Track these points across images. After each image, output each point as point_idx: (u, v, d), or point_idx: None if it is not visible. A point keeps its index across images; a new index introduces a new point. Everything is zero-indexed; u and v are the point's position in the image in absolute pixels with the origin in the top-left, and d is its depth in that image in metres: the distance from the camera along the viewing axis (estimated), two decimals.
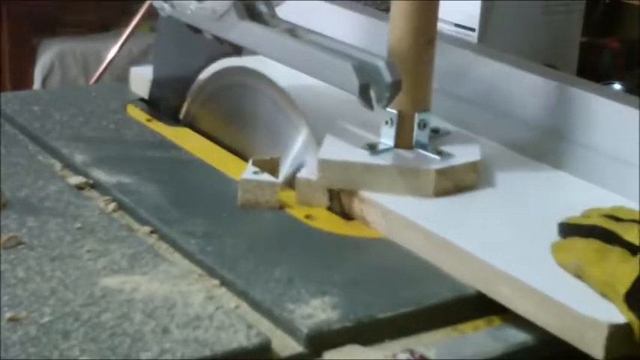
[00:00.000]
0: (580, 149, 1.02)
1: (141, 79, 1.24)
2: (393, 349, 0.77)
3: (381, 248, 0.91)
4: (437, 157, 0.97)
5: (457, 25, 1.40)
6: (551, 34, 1.44)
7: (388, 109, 0.96)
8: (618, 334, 0.75)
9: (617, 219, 0.83)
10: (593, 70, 1.66)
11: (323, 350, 0.76)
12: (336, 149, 0.98)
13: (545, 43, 1.43)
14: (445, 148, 0.99)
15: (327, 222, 0.95)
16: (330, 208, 0.97)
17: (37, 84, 2.80)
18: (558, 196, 0.98)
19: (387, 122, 0.99)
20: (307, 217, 0.95)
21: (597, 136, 1.00)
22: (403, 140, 0.99)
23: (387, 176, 0.95)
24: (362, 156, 0.97)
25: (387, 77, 0.93)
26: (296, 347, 0.76)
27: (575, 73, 1.45)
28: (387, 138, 0.99)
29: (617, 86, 1.57)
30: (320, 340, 0.76)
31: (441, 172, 0.95)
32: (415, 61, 0.98)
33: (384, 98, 0.94)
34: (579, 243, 0.82)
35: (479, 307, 0.83)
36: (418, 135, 0.99)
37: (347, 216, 0.97)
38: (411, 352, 0.77)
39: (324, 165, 0.96)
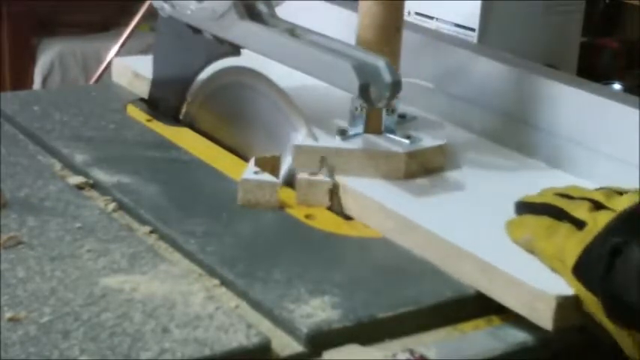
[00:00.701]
0: (580, 149, 1.02)
1: (123, 69, 1.24)
2: (393, 349, 0.77)
3: (381, 248, 0.91)
4: (406, 140, 1.00)
5: (457, 25, 1.40)
6: (551, 34, 1.44)
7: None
8: (566, 306, 0.78)
9: (569, 197, 0.85)
10: (593, 70, 1.66)
11: (323, 350, 0.76)
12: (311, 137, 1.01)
13: (545, 43, 1.43)
14: (413, 133, 1.02)
15: (327, 222, 0.95)
16: (330, 208, 0.97)
17: (37, 84, 2.80)
18: (531, 183, 1.00)
19: (356, 109, 1.01)
20: (307, 217, 0.95)
21: (597, 136, 1.00)
22: (372, 126, 1.02)
23: (357, 160, 0.98)
24: (333, 141, 1.00)
25: (387, 77, 0.93)
26: (296, 347, 0.76)
27: (575, 73, 1.45)
28: (356, 124, 1.01)
29: (616, 86, 1.57)
30: (320, 340, 0.76)
31: (410, 155, 0.98)
32: (384, 49, 1.00)
33: (384, 98, 0.94)
34: (531, 220, 0.85)
35: (479, 306, 0.83)
36: (387, 120, 1.02)
37: (347, 216, 0.97)
38: (411, 352, 0.77)
39: (298, 151, 0.99)
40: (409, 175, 0.98)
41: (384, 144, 1.00)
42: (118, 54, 2.04)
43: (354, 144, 1.00)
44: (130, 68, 1.25)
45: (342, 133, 1.01)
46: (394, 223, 0.92)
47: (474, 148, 1.08)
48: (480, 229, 0.89)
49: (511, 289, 0.81)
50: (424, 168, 0.99)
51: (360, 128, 1.02)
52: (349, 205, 0.97)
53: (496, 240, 0.87)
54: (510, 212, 0.90)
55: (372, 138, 1.01)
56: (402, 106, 1.05)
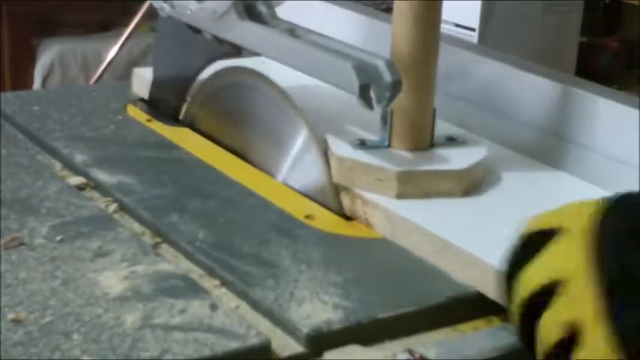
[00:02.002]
0: (580, 149, 1.02)
1: (143, 80, 1.24)
2: (393, 349, 0.78)
3: (381, 248, 0.91)
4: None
5: (457, 25, 1.40)
6: (551, 34, 1.45)
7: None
8: None
9: None
10: (593, 70, 1.66)
11: (323, 350, 0.76)
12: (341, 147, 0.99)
13: (545, 43, 1.43)
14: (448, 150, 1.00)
15: (327, 222, 0.95)
16: (330, 208, 0.97)
17: (37, 84, 2.80)
18: (557, 196, 0.99)
19: (385, 120, 1.00)
20: (307, 217, 0.95)
21: (597, 137, 1.00)
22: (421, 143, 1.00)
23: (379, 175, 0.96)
24: (361, 155, 0.98)
25: (387, 77, 0.93)
26: (296, 347, 0.76)
27: (574, 73, 1.45)
28: (380, 136, 1.00)
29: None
30: (320, 340, 0.76)
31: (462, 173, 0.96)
32: (420, 62, 0.98)
33: (384, 98, 0.94)
34: None
35: (479, 307, 0.83)
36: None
37: (347, 216, 0.97)
38: (411, 352, 0.77)
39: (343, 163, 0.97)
40: (430, 194, 0.96)
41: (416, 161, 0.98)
42: (118, 54, 2.04)
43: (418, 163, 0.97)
44: (149, 79, 1.23)
45: (363, 144, 0.99)
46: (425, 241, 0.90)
47: (503, 162, 1.05)
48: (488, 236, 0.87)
49: None
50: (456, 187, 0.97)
51: (384, 141, 1.00)
52: (381, 223, 0.94)
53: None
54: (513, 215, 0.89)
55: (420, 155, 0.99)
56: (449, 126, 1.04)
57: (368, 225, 0.95)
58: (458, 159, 0.99)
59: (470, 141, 1.04)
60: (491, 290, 0.81)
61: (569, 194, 0.98)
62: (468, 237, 0.88)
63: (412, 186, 0.95)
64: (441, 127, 1.03)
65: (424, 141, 1.01)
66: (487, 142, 1.07)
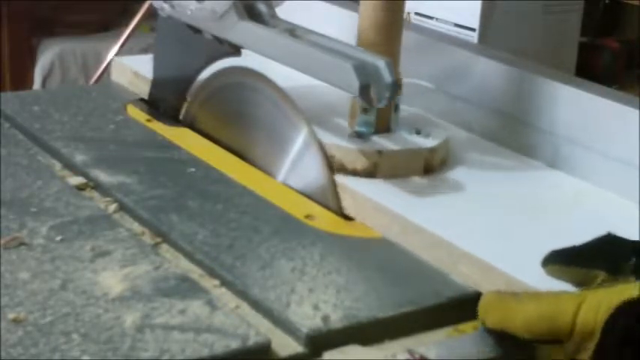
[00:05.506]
0: (580, 149, 1.02)
1: (123, 69, 1.24)
2: (393, 349, 0.77)
3: (380, 248, 0.91)
4: (420, 136, 1.01)
5: (457, 25, 1.40)
6: (551, 34, 1.45)
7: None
8: None
9: None
10: (593, 70, 1.66)
11: (323, 350, 0.76)
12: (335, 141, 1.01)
13: (545, 43, 1.43)
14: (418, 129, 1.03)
15: (327, 222, 0.95)
16: (330, 208, 0.97)
17: (37, 84, 2.80)
18: (531, 183, 1.00)
19: (365, 109, 1.00)
20: (307, 217, 0.95)
21: (597, 137, 1.00)
22: (380, 125, 1.02)
23: (390, 160, 0.98)
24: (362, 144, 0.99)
25: (387, 77, 0.93)
26: (296, 347, 0.76)
27: (574, 73, 1.45)
28: (367, 125, 1.01)
29: None
30: (320, 340, 0.76)
31: (433, 150, 0.99)
32: (386, 46, 1.00)
33: (384, 98, 0.94)
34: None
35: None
36: (394, 118, 1.02)
37: (347, 216, 0.97)
38: (411, 352, 0.77)
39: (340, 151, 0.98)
40: (430, 169, 0.99)
41: (412, 141, 1.01)
42: (118, 54, 2.04)
43: (389, 144, 1.00)
44: (130, 68, 1.25)
45: (360, 136, 1.00)
46: (395, 223, 0.91)
47: (474, 148, 1.08)
48: (479, 230, 0.89)
49: (485, 276, 0.82)
50: (427, 164, 1.00)
51: (370, 128, 1.01)
52: (348, 205, 0.96)
53: (495, 240, 0.87)
54: (508, 212, 0.90)
55: (392, 137, 1.01)
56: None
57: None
58: (420, 140, 1.02)
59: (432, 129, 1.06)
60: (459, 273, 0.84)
61: (565, 193, 0.99)
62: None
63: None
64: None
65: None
66: (486, 142, 1.08)
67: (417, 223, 0.90)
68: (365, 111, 0.99)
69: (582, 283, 0.76)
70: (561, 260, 0.76)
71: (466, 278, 0.84)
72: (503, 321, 0.74)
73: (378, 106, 0.96)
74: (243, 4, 1.06)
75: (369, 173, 0.98)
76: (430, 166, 1.00)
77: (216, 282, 0.84)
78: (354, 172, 0.98)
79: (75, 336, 0.73)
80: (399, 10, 1.03)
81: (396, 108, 1.02)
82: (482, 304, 0.76)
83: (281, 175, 1.04)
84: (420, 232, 0.89)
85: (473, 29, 1.39)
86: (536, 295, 0.74)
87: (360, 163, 0.98)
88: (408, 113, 1.07)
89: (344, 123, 1.05)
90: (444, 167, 1.02)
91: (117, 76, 1.27)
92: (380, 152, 0.98)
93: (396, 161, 0.98)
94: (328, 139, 1.01)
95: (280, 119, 1.05)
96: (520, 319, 0.73)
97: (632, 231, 0.84)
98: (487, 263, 0.83)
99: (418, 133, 1.01)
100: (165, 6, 1.15)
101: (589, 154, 1.01)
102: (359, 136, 1.00)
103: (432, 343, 0.79)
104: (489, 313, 0.76)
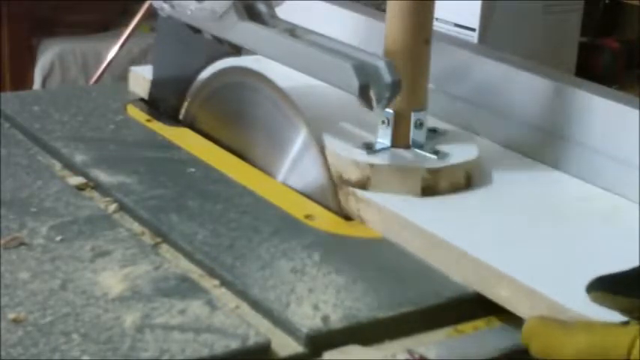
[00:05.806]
0: (579, 149, 1.02)
1: (140, 79, 1.24)
2: (393, 349, 0.77)
3: (380, 248, 0.91)
4: (433, 156, 0.98)
5: (457, 25, 1.40)
6: (551, 34, 1.44)
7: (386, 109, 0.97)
8: None
9: None
10: (593, 70, 1.66)
11: (323, 350, 0.76)
12: (335, 148, 0.99)
13: (545, 43, 1.43)
14: (442, 148, 1.00)
15: (326, 222, 0.95)
16: (330, 208, 0.97)
17: (37, 84, 2.80)
18: (552, 194, 0.99)
19: (383, 122, 0.99)
20: (307, 217, 0.95)
21: (597, 136, 1.00)
22: (400, 140, 0.99)
23: (383, 175, 0.96)
24: (359, 155, 0.97)
25: (387, 77, 0.93)
26: (296, 347, 0.76)
27: (574, 73, 1.45)
28: (383, 137, 1.00)
29: None
30: (320, 340, 0.76)
31: (435, 172, 0.96)
32: (412, 61, 0.98)
33: (384, 98, 0.94)
34: None
35: (479, 307, 0.83)
36: (415, 134, 0.99)
37: (347, 216, 0.97)
38: (411, 352, 0.77)
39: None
40: (434, 191, 0.95)
41: (410, 159, 0.98)
42: (117, 54, 2.04)
43: (380, 158, 0.97)
44: (147, 77, 1.23)
45: (369, 147, 0.99)
46: (424, 240, 0.89)
47: (499, 160, 1.05)
48: (491, 237, 0.88)
49: (527, 299, 0.79)
50: (451, 184, 0.97)
51: (387, 142, 0.99)
52: (374, 219, 0.95)
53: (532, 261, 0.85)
54: (516, 216, 0.89)
55: (399, 152, 0.99)
56: (435, 120, 1.04)
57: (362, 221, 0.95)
58: (425, 159, 0.99)
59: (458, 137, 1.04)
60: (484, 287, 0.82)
61: (563, 192, 0.99)
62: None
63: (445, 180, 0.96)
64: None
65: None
66: (487, 142, 1.08)
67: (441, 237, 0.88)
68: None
69: (629, 311, 0.74)
70: (607, 288, 0.75)
71: (504, 301, 0.82)
72: (550, 349, 0.72)
73: (378, 106, 0.96)
74: (243, 4, 1.06)
75: (362, 185, 0.96)
76: (430, 188, 0.96)
77: (216, 282, 0.84)
78: (349, 183, 0.97)
79: (75, 336, 0.73)
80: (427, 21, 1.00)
81: (421, 125, 1.00)
82: (525, 329, 0.74)
83: (281, 175, 1.04)
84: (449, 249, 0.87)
85: (473, 29, 1.38)
86: (586, 326, 0.72)
87: (354, 174, 0.97)
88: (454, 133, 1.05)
89: (344, 124, 1.05)
90: (457, 190, 0.98)
91: (133, 86, 1.26)
92: (372, 165, 0.96)
93: (388, 177, 0.96)
94: (328, 143, 1.00)
95: (280, 119, 1.05)
96: (569, 350, 0.71)
97: None
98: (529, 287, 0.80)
99: (436, 153, 0.98)
100: (165, 6, 1.15)
101: (588, 154, 1.01)
102: (368, 147, 0.99)
103: (431, 343, 0.79)
104: (534, 340, 0.73)
